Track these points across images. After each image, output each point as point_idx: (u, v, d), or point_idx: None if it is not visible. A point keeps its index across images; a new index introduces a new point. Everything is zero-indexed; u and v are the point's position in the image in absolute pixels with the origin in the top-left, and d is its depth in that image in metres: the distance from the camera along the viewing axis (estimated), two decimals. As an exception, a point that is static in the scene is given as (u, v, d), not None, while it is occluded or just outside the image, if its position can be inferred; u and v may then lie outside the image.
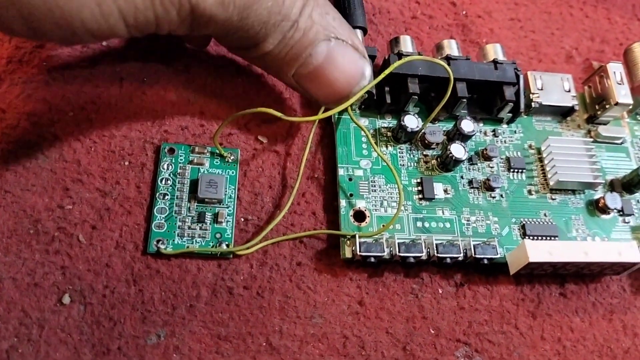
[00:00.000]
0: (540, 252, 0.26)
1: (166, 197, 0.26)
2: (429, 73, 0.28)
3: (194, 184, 0.27)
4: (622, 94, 0.30)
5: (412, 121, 0.28)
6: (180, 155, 0.28)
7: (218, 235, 0.26)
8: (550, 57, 0.35)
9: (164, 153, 0.27)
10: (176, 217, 0.26)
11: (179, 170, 0.27)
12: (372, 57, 0.28)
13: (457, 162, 0.28)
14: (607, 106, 0.31)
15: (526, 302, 0.28)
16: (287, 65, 0.25)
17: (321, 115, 0.26)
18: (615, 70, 0.31)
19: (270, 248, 0.27)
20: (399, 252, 0.26)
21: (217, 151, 0.28)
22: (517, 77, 0.29)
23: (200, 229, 0.26)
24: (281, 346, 0.25)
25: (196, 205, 0.26)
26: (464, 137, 0.29)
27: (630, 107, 0.31)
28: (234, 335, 0.25)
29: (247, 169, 0.28)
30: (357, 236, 0.26)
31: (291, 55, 0.25)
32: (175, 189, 0.27)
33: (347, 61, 0.25)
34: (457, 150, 0.28)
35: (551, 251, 0.26)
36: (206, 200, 0.26)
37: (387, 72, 0.27)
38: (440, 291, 0.28)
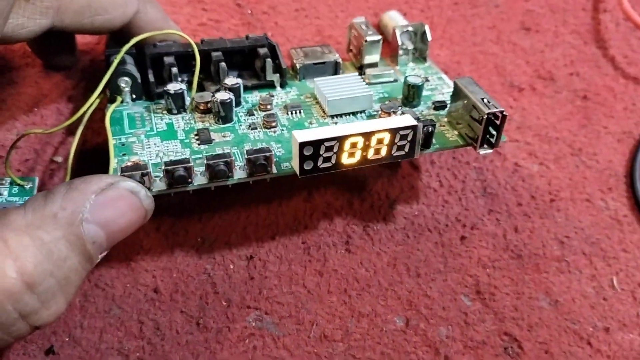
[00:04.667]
0: (309, 134, 0.27)
1: (-37, 227, 0.29)
2: (182, 49, 0.32)
3: (-9, 214, 0.29)
4: (370, 33, 0.34)
5: (174, 85, 0.30)
6: (-20, 187, 0.31)
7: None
8: (335, 39, 0.38)
9: (-36, 187, 0.30)
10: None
11: (-22, 201, 0.30)
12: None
13: (225, 104, 0.30)
14: (361, 48, 0.34)
15: (313, 262, 0.31)
16: None
17: (74, 117, 0.29)
18: (359, 21, 0.35)
19: (69, 255, 0.30)
20: (165, 166, 0.26)
21: (14, 181, 0.31)
22: (269, 43, 0.33)
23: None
24: (83, 338, 0.28)
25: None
26: (231, 91, 0.31)
27: (381, 41, 0.34)
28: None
29: (45, 189, 0.31)
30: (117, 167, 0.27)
31: None
32: (-27, 219, 0.29)
33: None
34: (222, 95, 0.30)
35: (321, 132, 0.27)
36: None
37: (126, 47, 0.30)
38: (232, 266, 0.31)
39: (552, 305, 0.32)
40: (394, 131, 0.28)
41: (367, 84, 0.34)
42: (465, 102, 0.30)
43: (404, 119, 0.28)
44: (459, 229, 0.33)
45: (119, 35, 0.32)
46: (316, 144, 0.27)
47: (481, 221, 0.33)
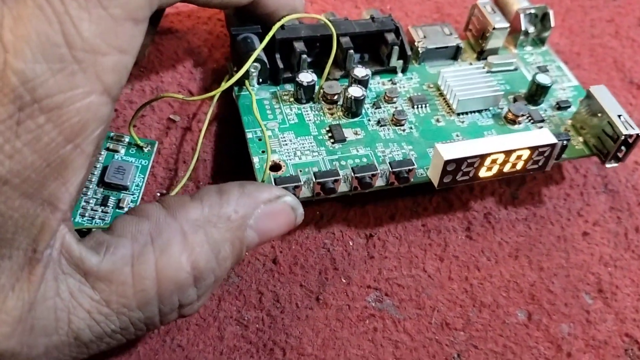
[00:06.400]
0: (453, 151, 0.26)
1: (78, 177, 0.28)
2: (312, 33, 0.30)
3: (106, 169, 0.28)
4: (497, 20, 0.33)
5: (306, 76, 0.30)
6: (99, 141, 0.29)
7: (117, 219, 0.28)
8: (453, 18, 0.36)
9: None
10: (82, 198, 0.27)
11: (94, 154, 0.29)
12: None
13: (358, 101, 0.29)
14: (487, 35, 0.33)
15: (433, 246, 0.30)
16: None
17: (213, 92, 0.28)
18: (485, 3, 0.33)
19: (186, 218, 0.29)
20: (315, 179, 0.26)
21: (134, 141, 0.29)
22: (396, 26, 0.31)
23: (102, 211, 0.27)
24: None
25: (103, 189, 0.28)
26: (361, 83, 0.30)
27: (508, 29, 0.33)
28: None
29: (161, 147, 0.30)
30: (270, 177, 0.27)
31: None
32: (87, 172, 0.28)
33: None
34: (355, 90, 0.29)
35: (465, 148, 0.26)
36: (112, 185, 0.27)
37: (267, 37, 0.28)
38: (351, 243, 0.30)
39: (673, 311, 0.30)
40: (534, 148, 0.27)
41: (487, 71, 0.33)
42: (600, 115, 0.30)
43: (544, 136, 0.28)
44: (580, 224, 0.32)
45: (241, 10, 0.30)
46: (460, 161, 0.26)
47: (602, 218, 0.32)
